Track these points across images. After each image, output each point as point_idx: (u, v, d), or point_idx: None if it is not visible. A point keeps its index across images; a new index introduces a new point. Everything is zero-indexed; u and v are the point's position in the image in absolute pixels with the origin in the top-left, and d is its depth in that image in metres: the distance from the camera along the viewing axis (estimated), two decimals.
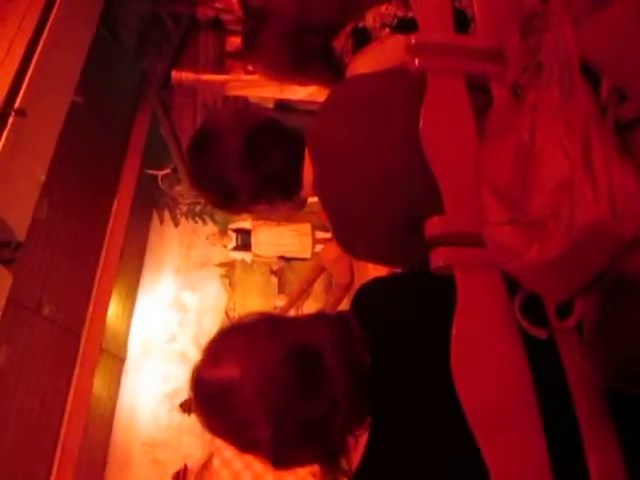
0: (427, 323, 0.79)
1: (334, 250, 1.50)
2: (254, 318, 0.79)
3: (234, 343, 0.75)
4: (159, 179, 4.69)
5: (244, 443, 0.76)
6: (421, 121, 0.84)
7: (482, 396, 0.73)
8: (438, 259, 0.81)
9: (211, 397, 0.74)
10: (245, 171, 1.03)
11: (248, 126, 1.05)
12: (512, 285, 0.76)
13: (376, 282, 0.92)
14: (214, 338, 0.79)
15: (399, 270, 0.98)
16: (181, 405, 3.79)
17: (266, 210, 1.14)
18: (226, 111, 1.27)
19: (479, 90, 0.89)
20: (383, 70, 1.01)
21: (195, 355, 0.80)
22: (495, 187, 0.69)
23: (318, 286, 3.70)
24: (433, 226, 0.83)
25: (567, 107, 0.65)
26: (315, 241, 4.53)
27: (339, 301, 1.69)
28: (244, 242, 4.74)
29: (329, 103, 1.05)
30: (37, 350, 3.36)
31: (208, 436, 0.73)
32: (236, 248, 4.81)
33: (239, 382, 0.71)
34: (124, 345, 4.74)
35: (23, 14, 2.61)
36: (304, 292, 2.10)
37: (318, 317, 0.81)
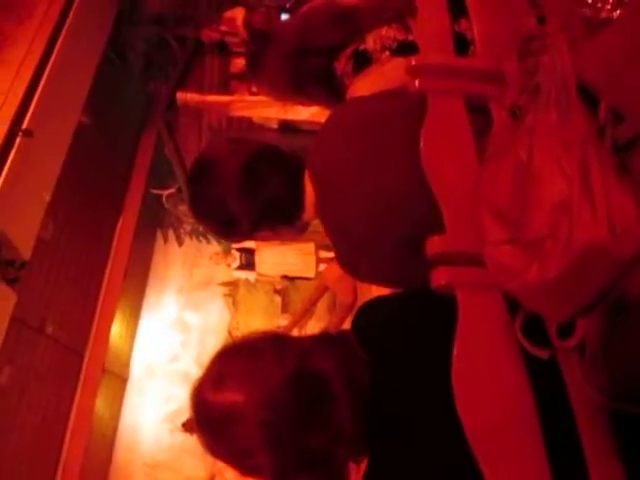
0: (428, 342, 0.79)
1: (337, 269, 1.43)
2: (258, 339, 0.78)
3: (238, 367, 0.74)
4: (163, 198, 4.73)
5: (246, 468, 0.75)
6: (422, 141, 0.84)
7: (483, 416, 0.72)
8: (439, 278, 0.81)
9: (213, 421, 0.73)
10: (244, 199, 1.03)
11: (245, 153, 1.04)
12: (513, 305, 0.76)
13: (378, 301, 0.91)
14: (217, 358, 0.78)
15: (396, 290, 0.97)
16: (183, 425, 3.80)
17: (269, 236, 1.13)
18: (223, 141, 1.27)
19: (479, 111, 0.89)
20: (383, 92, 1.02)
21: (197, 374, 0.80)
22: (494, 207, 0.69)
23: (321, 306, 3.68)
24: (434, 245, 0.82)
25: (565, 128, 0.65)
26: (319, 260, 4.55)
27: (342, 321, 1.68)
28: (248, 261, 4.79)
29: (329, 125, 1.05)
30: (40, 369, 3.37)
31: (210, 458, 0.72)
32: (240, 267, 4.87)
33: (242, 409, 0.70)
34: (127, 365, 4.79)
35: (33, 36, 2.67)
36: (307, 311, 2.12)
37: (322, 339, 0.80)
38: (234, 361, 0.76)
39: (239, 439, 0.71)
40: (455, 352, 0.72)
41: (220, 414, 0.71)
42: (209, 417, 0.73)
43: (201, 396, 0.74)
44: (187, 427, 3.48)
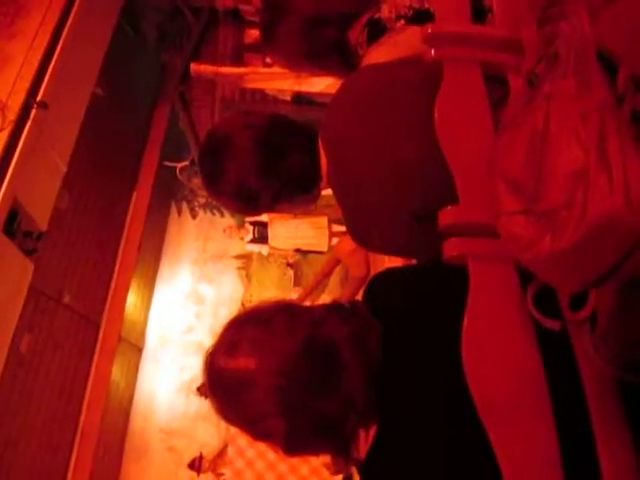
0: (440, 313, 0.79)
1: (350, 243, 1.45)
2: (270, 308, 0.78)
3: (251, 334, 0.75)
4: (177, 171, 4.75)
5: (257, 433, 0.75)
6: (436, 110, 0.83)
7: (492, 386, 0.72)
8: (451, 249, 0.80)
9: (226, 387, 0.74)
10: (264, 175, 1.03)
11: (260, 126, 1.03)
12: (525, 276, 0.75)
13: (389, 272, 0.91)
14: (230, 325, 0.78)
15: (414, 262, 0.98)
16: (198, 389, 3.89)
17: (286, 208, 1.13)
18: (232, 116, 1.13)
19: (496, 82, 0.87)
20: (397, 60, 1.00)
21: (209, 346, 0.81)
22: (509, 177, 0.67)
23: (334, 279, 3.73)
24: (447, 216, 0.82)
25: (583, 96, 0.62)
26: (332, 234, 4.55)
27: (354, 293, 1.64)
28: (261, 235, 4.78)
29: (341, 93, 1.03)
30: (58, 338, 3.44)
31: (224, 425, 0.71)
32: (253, 241, 4.87)
33: (255, 375, 0.71)
34: (142, 335, 4.87)
35: (46, 7, 2.64)
36: (319, 284, 2.05)
37: (334, 308, 0.80)
38: (246, 329, 0.76)
39: (251, 404, 0.71)
40: (466, 322, 0.72)
41: (233, 380, 0.72)
42: (222, 383, 0.74)
43: (214, 363, 0.75)
44: (202, 391, 3.50)
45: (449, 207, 0.81)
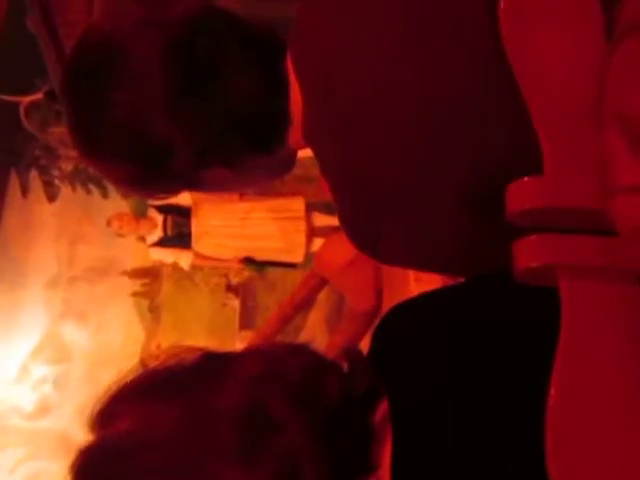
0: (507, 375, 0.60)
1: (346, 249, 1.10)
2: (185, 369, 0.62)
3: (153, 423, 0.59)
4: (21, 111, 3.81)
5: None
6: (501, 2, 0.64)
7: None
8: (528, 255, 0.61)
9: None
10: (181, 112, 0.74)
11: (173, 28, 0.76)
12: None
13: (420, 303, 0.71)
14: (117, 401, 0.61)
15: (457, 280, 0.80)
16: None
17: (225, 181, 0.85)
18: (125, 8, 0.79)
19: None
20: None
21: (83, 437, 0.62)
22: (633, 125, 0.54)
23: (317, 313, 3.28)
24: (521, 195, 0.62)
25: None
26: (311, 230, 3.59)
27: (353, 339, 1.30)
28: (178, 231, 3.76)
29: None
30: None
31: None
32: (163, 242, 3.80)
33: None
34: None
35: None
36: (287, 322, 1.59)
37: (312, 370, 0.62)
38: (148, 407, 0.60)
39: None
40: (552, 394, 0.55)
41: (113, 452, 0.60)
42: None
43: (95, 468, 0.61)
44: None
45: (525, 179, 0.62)
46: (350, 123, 0.72)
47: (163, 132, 0.73)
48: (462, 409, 0.59)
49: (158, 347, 3.82)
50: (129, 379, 0.60)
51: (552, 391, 0.54)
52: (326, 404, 0.57)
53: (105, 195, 4.00)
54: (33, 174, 4.12)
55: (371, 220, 0.76)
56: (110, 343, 4.03)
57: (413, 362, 0.65)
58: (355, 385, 0.60)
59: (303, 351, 0.64)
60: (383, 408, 0.60)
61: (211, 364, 0.60)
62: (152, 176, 0.79)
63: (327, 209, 3.37)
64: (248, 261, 3.69)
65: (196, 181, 0.80)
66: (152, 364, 0.63)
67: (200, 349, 0.61)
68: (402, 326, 0.70)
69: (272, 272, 3.78)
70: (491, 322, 0.63)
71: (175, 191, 0.89)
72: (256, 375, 0.58)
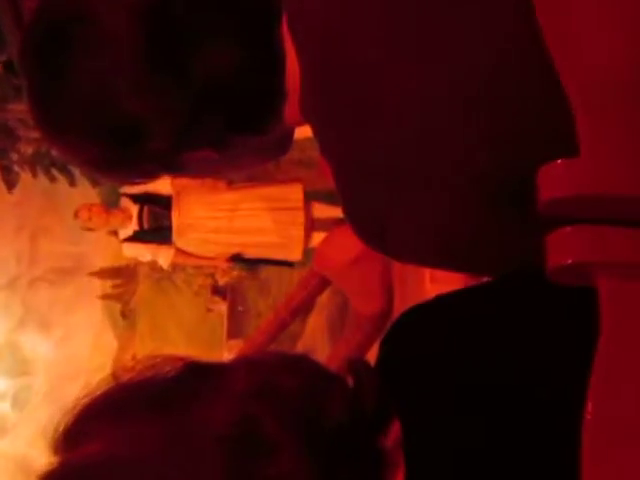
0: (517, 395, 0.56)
1: (350, 244, 1.11)
2: (166, 382, 0.56)
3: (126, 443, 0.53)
4: None
5: None
6: None
7: None
8: (562, 250, 0.56)
9: None
10: (151, 84, 0.68)
11: None
12: None
13: (437, 305, 0.69)
14: (85, 419, 0.55)
15: (479, 279, 0.77)
16: None
17: (210, 164, 0.78)
18: None
19: None
20: None
21: (45, 461, 0.55)
22: None
23: (318, 319, 3.18)
24: (553, 180, 0.57)
25: None
26: (310, 223, 3.23)
27: (359, 348, 1.26)
28: (156, 224, 3.36)
29: None
30: None
31: None
32: (138, 237, 3.41)
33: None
34: None
35: None
36: (283, 328, 1.51)
37: (314, 385, 0.57)
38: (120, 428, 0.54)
39: None
40: (589, 409, 0.51)
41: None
42: None
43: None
44: None
45: (558, 162, 0.56)
46: (358, 97, 0.68)
47: (133, 108, 0.69)
48: (489, 433, 0.55)
49: (133, 359, 3.54)
50: (99, 393, 0.54)
51: (589, 405, 0.51)
52: (329, 425, 0.52)
53: (71, 182, 3.79)
54: None
55: (380, 209, 0.72)
56: (77, 354, 3.90)
57: (430, 377, 0.60)
58: (362, 403, 0.56)
59: (302, 363, 0.59)
60: (395, 431, 0.56)
61: (195, 377, 0.55)
62: (125, 158, 0.74)
63: (329, 198, 3.10)
64: (237, 259, 3.41)
65: (177, 164, 0.75)
66: (126, 376, 0.57)
67: (181, 358, 0.56)
68: (417, 334, 0.66)
69: (265, 271, 3.59)
70: (522, 331, 0.60)
71: (153, 175, 0.82)
72: (247, 390, 0.53)
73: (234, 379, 0.55)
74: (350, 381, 0.58)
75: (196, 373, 0.56)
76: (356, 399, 0.55)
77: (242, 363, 0.61)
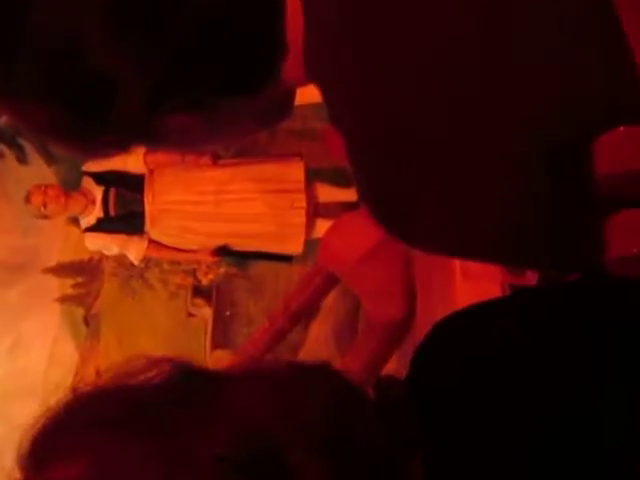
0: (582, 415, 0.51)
1: (363, 232, 0.96)
2: (153, 391, 0.51)
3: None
4: None
5: None
6: None
7: None
8: (627, 237, 0.57)
9: None
10: (124, 32, 0.63)
11: None
12: None
13: (470, 317, 0.62)
14: (53, 427, 0.48)
15: (516, 277, 0.76)
16: None
17: (193, 132, 0.73)
18: None
19: None
20: None
21: None
22: None
23: (322, 326, 2.85)
24: (616, 150, 0.58)
25: None
26: (313, 208, 2.84)
27: (373, 362, 1.07)
28: (125, 210, 2.94)
29: None
30: None
31: None
32: (103, 226, 2.95)
33: None
34: None
35: None
36: (280, 338, 1.21)
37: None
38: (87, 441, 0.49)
39: None
40: None
41: None
42: None
43: None
44: None
45: (622, 128, 0.57)
46: (386, 46, 0.63)
47: (101, 61, 0.61)
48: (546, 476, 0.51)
49: (97, 373, 3.16)
50: (71, 404, 0.48)
51: None
52: (360, 454, 0.49)
53: (22, 159, 3.45)
54: None
55: (407, 187, 0.67)
56: (30, 368, 3.53)
57: (469, 407, 0.54)
58: (399, 427, 0.52)
59: (322, 374, 0.53)
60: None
61: (190, 384, 0.49)
62: (90, 122, 0.65)
63: (336, 178, 2.78)
64: (224, 252, 3.01)
65: (152, 131, 0.67)
66: (101, 381, 0.50)
67: (169, 360, 0.49)
68: (457, 350, 0.59)
69: (258, 268, 3.18)
70: (586, 345, 0.53)
71: (123, 146, 0.72)
72: (260, 408, 0.48)
73: (241, 393, 0.49)
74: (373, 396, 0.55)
75: (191, 380, 0.49)
76: (391, 421, 0.51)
77: (245, 375, 0.53)
